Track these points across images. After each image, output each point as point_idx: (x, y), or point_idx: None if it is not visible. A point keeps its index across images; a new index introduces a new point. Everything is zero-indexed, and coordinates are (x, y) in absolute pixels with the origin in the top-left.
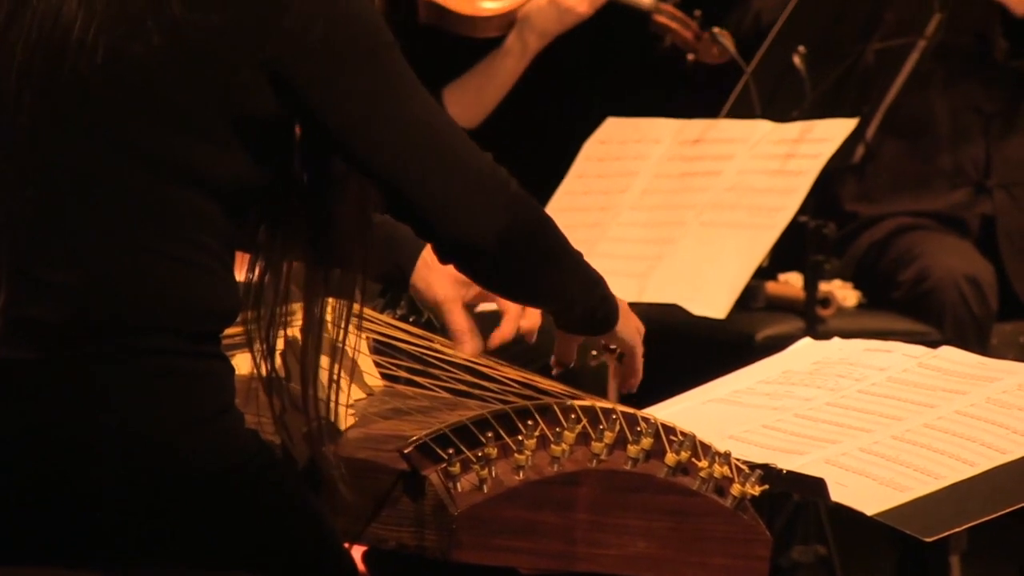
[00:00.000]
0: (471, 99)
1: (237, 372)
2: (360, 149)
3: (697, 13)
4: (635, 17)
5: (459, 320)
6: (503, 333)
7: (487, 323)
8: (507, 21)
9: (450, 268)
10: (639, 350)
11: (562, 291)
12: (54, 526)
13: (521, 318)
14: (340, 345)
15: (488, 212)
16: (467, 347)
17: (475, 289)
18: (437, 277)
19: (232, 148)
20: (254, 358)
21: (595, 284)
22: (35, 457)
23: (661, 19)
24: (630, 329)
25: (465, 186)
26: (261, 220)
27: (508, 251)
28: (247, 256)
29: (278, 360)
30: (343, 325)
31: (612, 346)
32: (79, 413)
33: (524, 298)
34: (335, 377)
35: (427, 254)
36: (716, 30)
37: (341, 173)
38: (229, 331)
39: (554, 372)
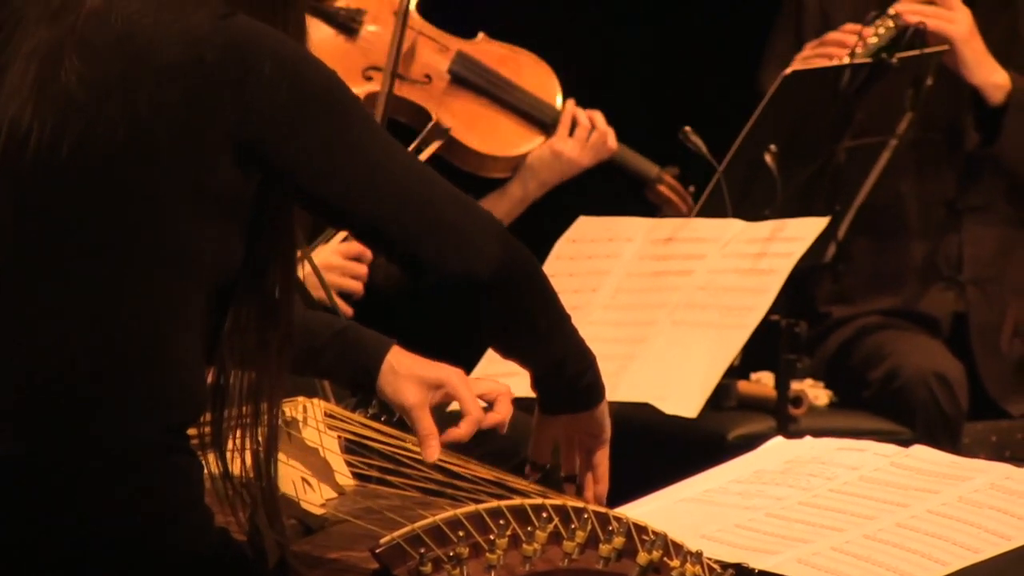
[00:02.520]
0: None
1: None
2: (342, 205)
3: (691, 188)
4: (634, 181)
5: (426, 424)
6: (460, 432)
7: (457, 422)
8: (513, 165)
9: (417, 371)
10: (607, 449)
11: (556, 339)
12: None
13: (483, 420)
14: (309, 444)
15: (483, 242)
16: (431, 452)
17: (441, 392)
18: (404, 382)
19: (207, 227)
20: (217, 456)
21: (585, 349)
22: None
23: (662, 188)
24: (607, 419)
25: (461, 221)
26: (226, 307)
27: (506, 280)
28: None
29: (248, 459)
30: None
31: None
32: (45, 509)
33: (519, 341)
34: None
35: (393, 358)
36: (687, 129)
37: (283, 249)
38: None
39: (529, 478)
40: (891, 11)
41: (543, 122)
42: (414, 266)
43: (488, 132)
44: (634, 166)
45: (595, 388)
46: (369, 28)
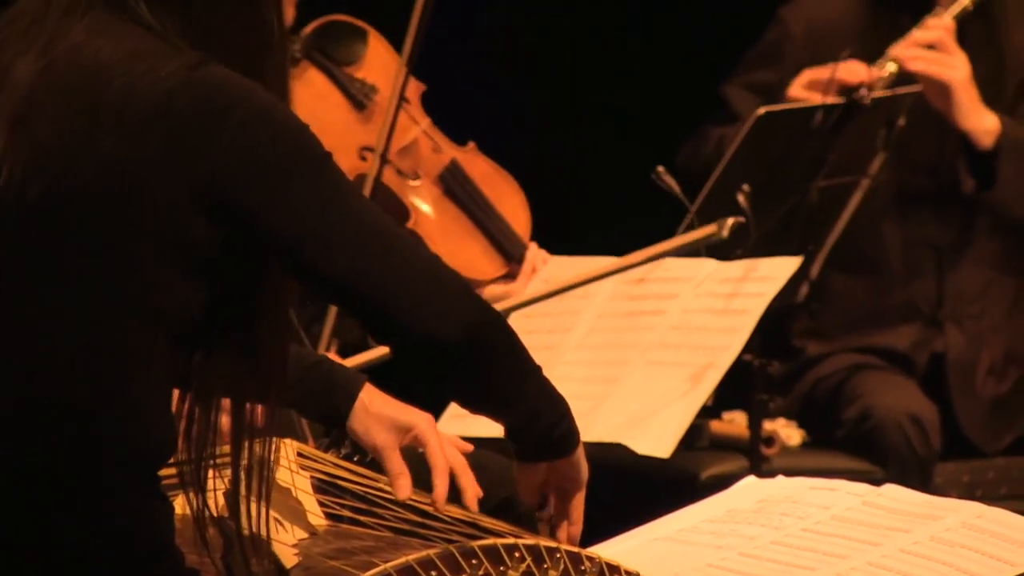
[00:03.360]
0: None
1: (181, 511)
2: (314, 259)
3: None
4: None
5: (396, 464)
6: (440, 492)
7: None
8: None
9: (388, 411)
10: (583, 492)
11: (526, 396)
12: None
13: (450, 468)
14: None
15: (452, 307)
16: (401, 490)
17: (412, 434)
18: (375, 422)
19: (173, 277)
20: (187, 497)
21: (557, 398)
22: None
23: None
24: (584, 464)
25: (427, 283)
26: (195, 349)
27: (475, 347)
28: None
29: (221, 499)
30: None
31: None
32: (8, 555)
33: (490, 402)
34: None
35: (365, 397)
36: (660, 169)
37: (267, 298)
38: (168, 471)
39: (541, 521)
40: (891, 55)
41: (510, 253)
42: (385, 326)
43: (457, 248)
44: None
45: (570, 436)
46: (378, 108)
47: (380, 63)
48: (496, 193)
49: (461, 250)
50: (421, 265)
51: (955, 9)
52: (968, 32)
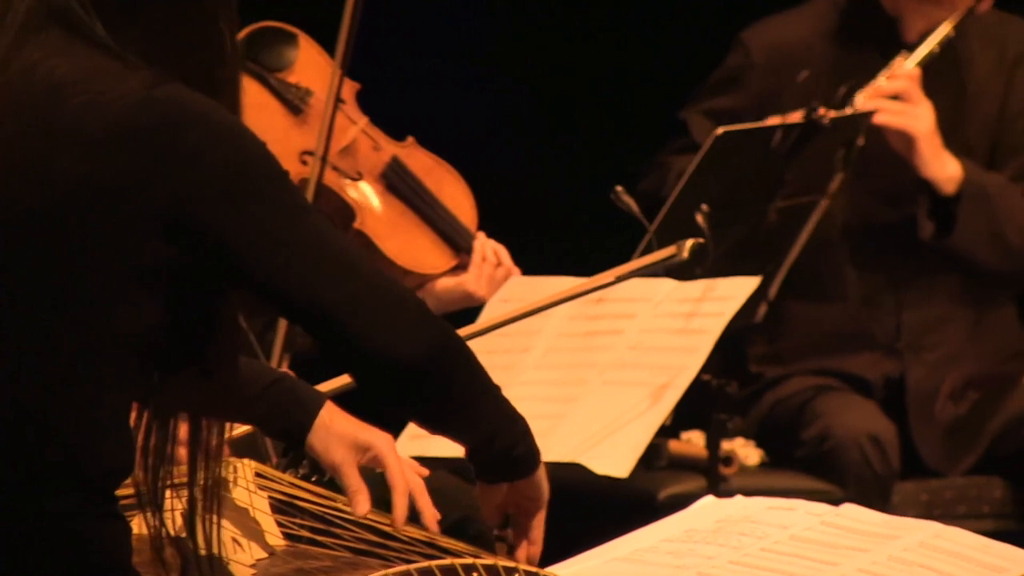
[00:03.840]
0: None
1: (138, 531)
2: (273, 280)
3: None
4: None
5: (355, 481)
6: (400, 513)
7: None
8: (420, 282)
9: (348, 429)
10: (543, 512)
11: (485, 417)
12: None
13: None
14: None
15: (412, 328)
16: (360, 507)
17: (371, 454)
18: (335, 439)
19: (131, 296)
20: (144, 517)
21: (516, 417)
22: None
23: None
24: (545, 483)
25: (389, 306)
26: (154, 368)
27: (434, 367)
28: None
29: (175, 520)
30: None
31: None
32: None
33: (450, 423)
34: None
35: (326, 414)
36: (619, 189)
37: (225, 315)
38: (125, 491)
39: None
40: (856, 104)
41: (458, 245)
42: (344, 348)
43: (406, 244)
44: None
45: (530, 456)
46: (314, 111)
47: (312, 66)
48: (439, 185)
49: (410, 245)
50: (382, 287)
51: (921, 55)
52: (931, 67)
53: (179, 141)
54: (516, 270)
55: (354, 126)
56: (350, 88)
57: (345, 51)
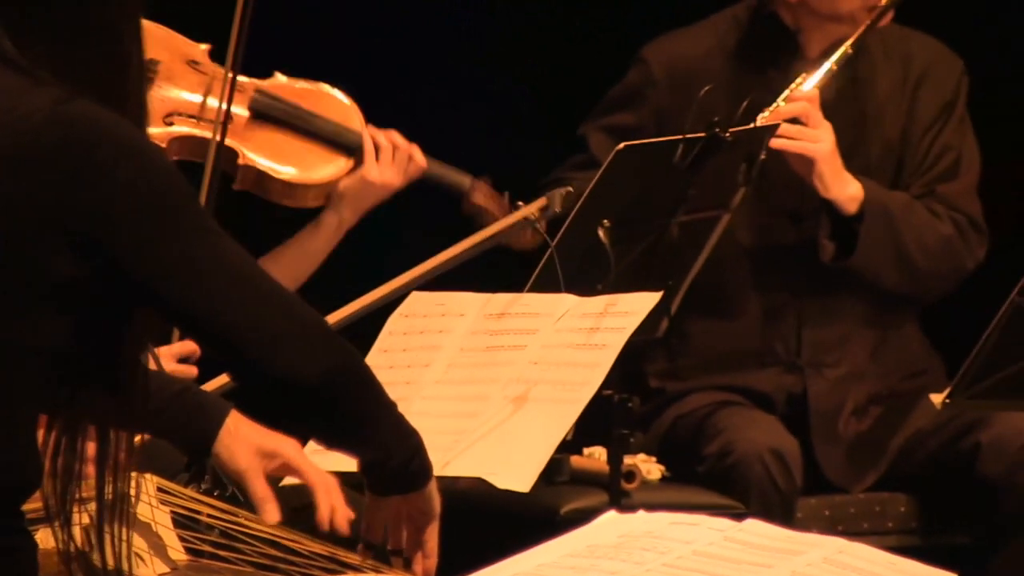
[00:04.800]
0: (284, 272)
1: (43, 547)
2: (176, 299)
3: (506, 194)
4: (451, 196)
5: (261, 488)
6: (325, 510)
7: (291, 496)
8: (324, 192)
9: (254, 437)
10: (435, 524)
11: (382, 435)
12: None
13: (332, 486)
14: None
15: (312, 348)
16: (269, 515)
17: (278, 461)
18: (241, 446)
19: (39, 312)
20: (53, 530)
21: (411, 433)
22: None
23: (477, 198)
24: (436, 496)
25: (288, 324)
26: (63, 382)
27: (333, 388)
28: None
29: (81, 534)
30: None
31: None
32: None
33: (346, 440)
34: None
35: (231, 423)
36: (520, 204)
37: (133, 330)
38: (31, 505)
39: (362, 558)
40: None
41: (348, 147)
42: (244, 366)
43: (294, 161)
44: (447, 180)
45: (422, 470)
46: (164, 77)
47: (149, 39)
48: (315, 102)
49: (299, 163)
50: (283, 306)
51: (819, 76)
52: (831, 86)
53: (88, 157)
54: (415, 147)
55: (204, 77)
56: (199, 51)
57: (236, 49)
